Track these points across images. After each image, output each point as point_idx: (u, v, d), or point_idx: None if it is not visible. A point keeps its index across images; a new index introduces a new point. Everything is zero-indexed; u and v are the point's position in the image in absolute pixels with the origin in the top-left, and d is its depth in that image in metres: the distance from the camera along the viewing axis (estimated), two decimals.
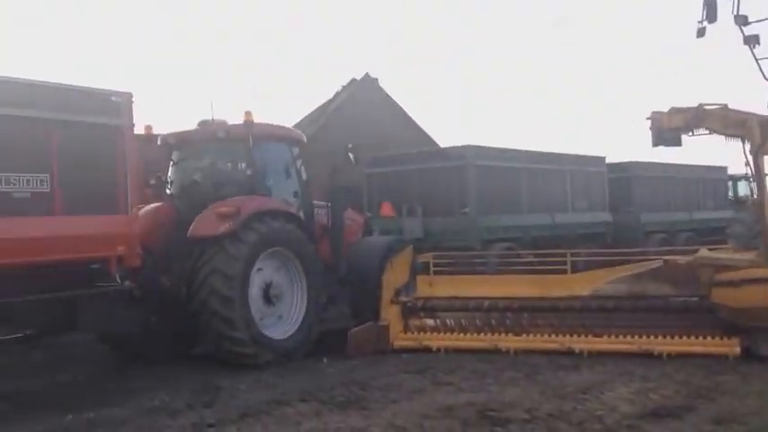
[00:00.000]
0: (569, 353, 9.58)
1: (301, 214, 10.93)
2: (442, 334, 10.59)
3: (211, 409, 7.70)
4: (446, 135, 56.04)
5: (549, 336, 10.04)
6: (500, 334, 10.27)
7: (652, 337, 9.45)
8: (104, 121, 8.32)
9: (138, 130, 9.29)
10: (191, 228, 9.75)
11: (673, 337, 9.42)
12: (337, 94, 25.47)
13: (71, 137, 7.94)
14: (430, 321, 10.84)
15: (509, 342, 10.06)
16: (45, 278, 7.88)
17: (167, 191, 10.99)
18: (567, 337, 9.90)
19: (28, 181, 7.54)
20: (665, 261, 10.28)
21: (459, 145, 16.40)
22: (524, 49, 56.01)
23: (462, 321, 10.61)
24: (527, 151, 17.48)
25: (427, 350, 10.23)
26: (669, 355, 9.13)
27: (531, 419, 6.85)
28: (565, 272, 11.46)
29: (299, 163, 11.26)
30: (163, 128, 11.10)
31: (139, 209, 9.28)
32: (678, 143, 10.23)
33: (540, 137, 52.87)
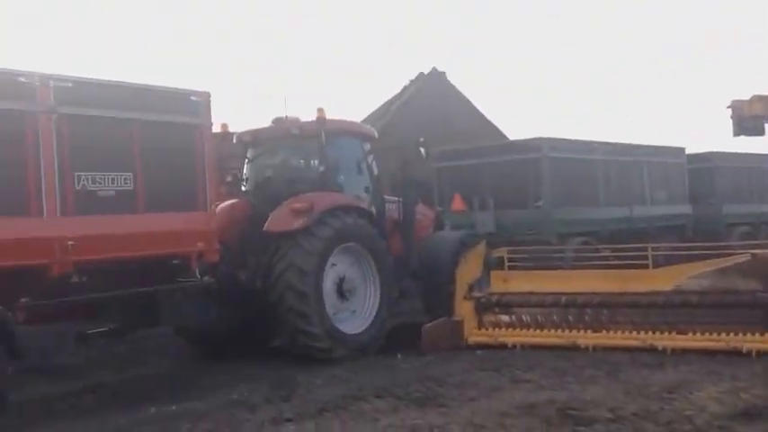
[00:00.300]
0: (652, 350, 9.30)
1: (373, 209, 10.94)
2: (517, 330, 10.42)
3: (289, 403, 7.76)
4: (515, 128, 55.30)
5: (631, 332, 9.74)
6: (578, 330, 10.02)
7: (740, 335, 9.10)
8: (184, 120, 8.48)
9: (214, 128, 9.42)
10: (266, 224, 9.86)
11: (762, 335, 9.06)
12: (405, 88, 25.39)
13: (153, 136, 8.11)
14: (505, 317, 10.66)
15: (588, 339, 9.82)
16: (129, 274, 8.09)
17: (242, 188, 11.16)
18: (650, 333, 9.60)
19: (113, 180, 7.73)
20: (753, 255, 9.88)
21: (533, 137, 16.14)
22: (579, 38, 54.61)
23: (539, 317, 10.41)
24: (603, 143, 17.09)
25: (502, 347, 10.07)
26: (758, 353, 8.78)
27: (616, 419, 6.66)
28: (646, 266, 11.13)
29: (370, 158, 11.27)
30: (238, 126, 11.30)
31: (216, 206, 9.43)
32: (761, 132, 9.82)
33: (614, 128, 51.54)
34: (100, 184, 7.62)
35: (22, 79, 7.11)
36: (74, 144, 7.42)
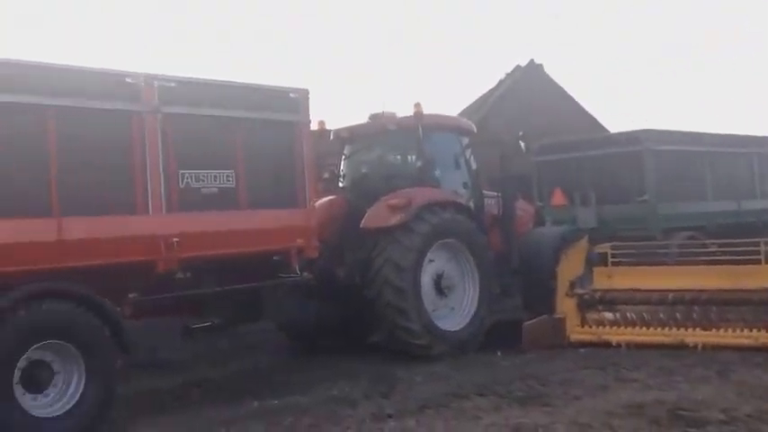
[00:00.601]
0: (765, 349, 8.82)
1: (471, 205, 10.81)
2: (622, 328, 10.08)
3: (389, 399, 7.74)
4: (616, 121, 53.75)
5: (742, 330, 9.28)
6: (686, 328, 9.61)
7: None
8: (284, 117, 8.55)
9: (312, 125, 9.48)
10: (363, 220, 9.88)
11: None
12: (501, 81, 25.07)
13: (254, 134, 8.22)
14: (609, 315, 10.35)
15: (696, 337, 9.41)
16: (231, 270, 8.23)
17: (339, 184, 11.21)
18: (763, 332, 9.11)
19: (215, 177, 7.88)
20: None
21: (633, 129, 15.58)
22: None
23: (644, 315, 10.03)
24: (709, 134, 16.32)
25: (606, 345, 9.78)
26: None
27: (729, 421, 6.33)
28: (758, 262, 10.55)
29: (468, 153, 11.14)
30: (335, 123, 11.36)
31: (315, 202, 9.50)
32: None
33: (723, 118, 49.30)
34: (203, 181, 7.78)
35: (129, 80, 7.33)
36: (177, 143, 7.59)
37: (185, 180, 7.64)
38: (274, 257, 8.66)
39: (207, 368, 9.65)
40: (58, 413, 6.69)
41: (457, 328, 10.05)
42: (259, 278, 8.47)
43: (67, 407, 6.74)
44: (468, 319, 10.19)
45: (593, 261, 11.16)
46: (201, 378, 9.02)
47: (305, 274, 8.84)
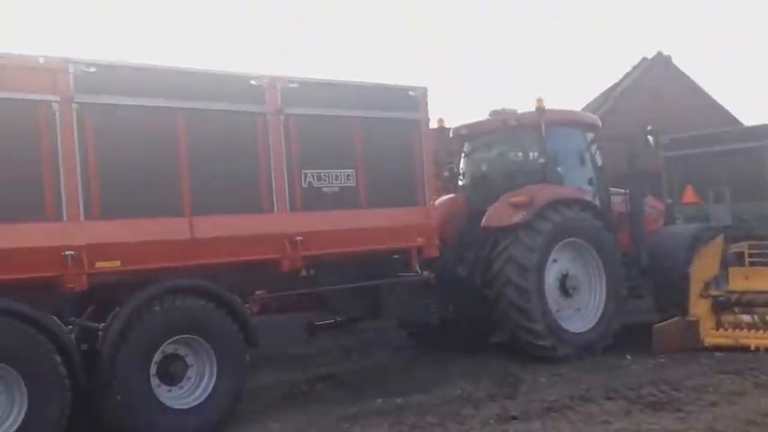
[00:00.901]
0: None
1: (597, 202, 10.46)
2: (761, 332, 9.49)
3: (513, 401, 7.60)
4: (754, 113, 50.81)
5: None
6: None
7: None
8: (403, 115, 8.58)
9: (431, 123, 9.43)
10: (484, 218, 9.75)
11: None
12: (627, 74, 24.18)
13: (374, 132, 8.28)
14: (746, 317, 9.77)
15: None
16: (353, 268, 8.32)
17: (459, 182, 11.12)
18: None
19: (336, 176, 7.98)
20: None
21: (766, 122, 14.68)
22: None
23: None
24: None
25: (744, 349, 9.24)
26: None
27: None
28: None
29: (593, 148, 10.80)
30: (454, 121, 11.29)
31: (434, 200, 9.46)
32: None
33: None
34: (324, 180, 7.90)
35: (254, 82, 7.53)
36: (300, 143, 7.74)
37: (308, 179, 7.78)
38: (395, 256, 8.69)
39: (330, 364, 9.80)
40: (191, 405, 6.98)
41: (583, 330, 9.75)
42: (379, 276, 8.53)
43: (200, 399, 7.02)
44: (594, 321, 9.87)
45: (729, 261, 10.55)
46: (325, 374, 9.16)
47: (425, 272, 8.84)
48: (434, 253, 8.83)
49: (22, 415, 6.09)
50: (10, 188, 6.20)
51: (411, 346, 10.88)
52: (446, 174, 11.03)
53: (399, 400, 7.86)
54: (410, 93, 8.63)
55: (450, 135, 11.14)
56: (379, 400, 7.86)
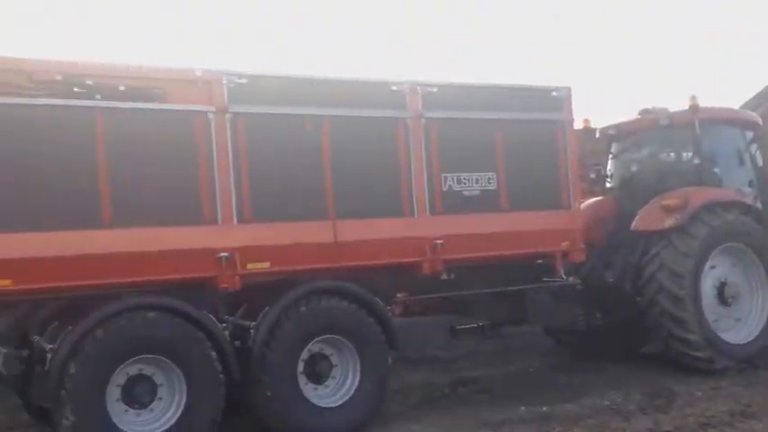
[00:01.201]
0: None
1: (759, 205, 9.82)
2: None
3: (666, 415, 7.25)
4: None
5: None
6: None
7: None
8: (546, 117, 8.41)
9: (576, 123, 9.18)
10: (634, 221, 9.37)
11: None
12: None
13: (515, 135, 8.15)
14: None
15: None
16: (495, 272, 8.22)
17: (607, 184, 10.75)
18: None
19: (477, 180, 7.92)
20: None
21: None
22: None
23: None
24: None
25: None
26: None
27: None
28: None
29: (753, 148, 10.18)
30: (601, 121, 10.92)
31: (581, 204, 9.19)
32: None
33: None
34: (465, 184, 7.86)
35: (394, 88, 7.61)
36: (440, 146, 7.75)
37: (448, 183, 7.77)
38: (538, 261, 8.50)
39: (473, 368, 9.72)
40: (336, 404, 7.14)
41: (744, 342, 9.19)
42: (522, 281, 8.39)
43: (345, 398, 7.18)
44: (757, 332, 9.30)
45: None
46: (468, 377, 9.10)
47: (571, 278, 8.60)
48: (580, 257, 8.58)
49: (182, 407, 6.45)
50: (170, 194, 6.58)
51: (557, 352, 10.61)
52: (593, 176, 10.68)
53: (545, 408, 7.67)
54: (553, 93, 8.45)
55: (597, 135, 10.78)
56: (522, 408, 7.70)
